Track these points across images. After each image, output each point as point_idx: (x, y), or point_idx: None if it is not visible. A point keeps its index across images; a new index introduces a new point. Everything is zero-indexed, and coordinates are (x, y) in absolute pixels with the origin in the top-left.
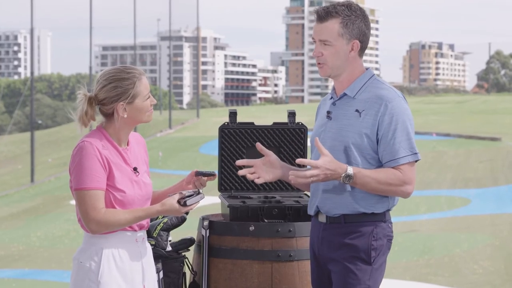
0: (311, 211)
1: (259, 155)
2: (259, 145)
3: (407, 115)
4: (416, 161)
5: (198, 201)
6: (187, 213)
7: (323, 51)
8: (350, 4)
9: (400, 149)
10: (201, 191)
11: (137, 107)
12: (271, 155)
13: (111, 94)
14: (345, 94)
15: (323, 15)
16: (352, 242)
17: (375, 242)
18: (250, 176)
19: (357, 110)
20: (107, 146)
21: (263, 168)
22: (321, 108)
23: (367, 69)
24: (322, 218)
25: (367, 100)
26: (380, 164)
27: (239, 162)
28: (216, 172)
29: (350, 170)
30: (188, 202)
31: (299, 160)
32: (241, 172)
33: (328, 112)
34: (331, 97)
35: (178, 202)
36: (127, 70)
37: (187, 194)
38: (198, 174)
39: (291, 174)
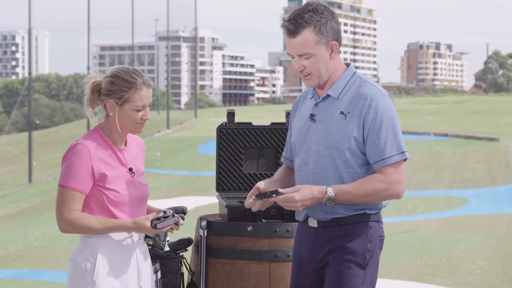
0: (299, 217)
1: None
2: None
3: (392, 113)
4: (405, 160)
5: (170, 225)
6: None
7: (305, 64)
8: (315, 7)
9: (386, 149)
10: (175, 214)
11: (125, 113)
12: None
13: (107, 87)
14: (328, 95)
15: (293, 29)
16: (346, 245)
17: (369, 243)
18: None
19: (342, 112)
20: (102, 147)
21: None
22: (299, 106)
23: (348, 65)
24: (312, 223)
25: (351, 100)
26: (370, 166)
27: (246, 205)
28: (183, 218)
29: (330, 195)
30: (158, 226)
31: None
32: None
33: (312, 115)
34: (312, 97)
35: (151, 222)
36: (132, 74)
37: (160, 216)
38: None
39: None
